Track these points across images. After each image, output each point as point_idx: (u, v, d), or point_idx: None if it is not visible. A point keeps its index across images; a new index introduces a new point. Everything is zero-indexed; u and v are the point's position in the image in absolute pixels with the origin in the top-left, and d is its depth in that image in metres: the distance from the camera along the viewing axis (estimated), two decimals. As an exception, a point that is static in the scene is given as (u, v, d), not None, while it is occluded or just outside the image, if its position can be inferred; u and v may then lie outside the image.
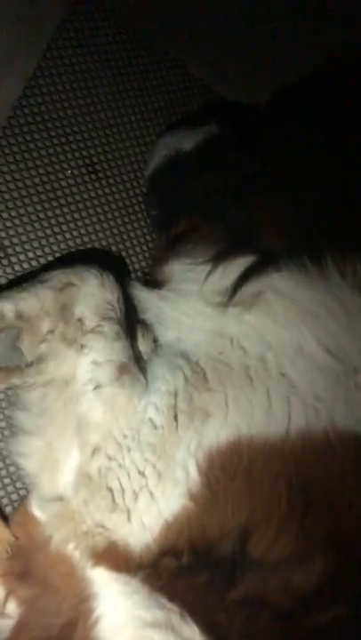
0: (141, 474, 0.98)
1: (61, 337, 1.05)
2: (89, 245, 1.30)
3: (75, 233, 1.29)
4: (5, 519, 1.13)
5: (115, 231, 1.34)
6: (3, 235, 1.24)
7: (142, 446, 0.99)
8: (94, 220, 1.32)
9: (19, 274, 1.24)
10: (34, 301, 1.08)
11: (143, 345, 1.16)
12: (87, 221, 1.31)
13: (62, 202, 1.28)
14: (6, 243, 1.23)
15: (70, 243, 1.28)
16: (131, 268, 1.35)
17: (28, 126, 1.28)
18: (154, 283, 1.21)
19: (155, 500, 0.98)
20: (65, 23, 1.36)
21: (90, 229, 1.31)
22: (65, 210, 1.28)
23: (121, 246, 1.35)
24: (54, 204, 1.27)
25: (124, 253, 1.35)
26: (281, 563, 0.93)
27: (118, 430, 1.01)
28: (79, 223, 1.30)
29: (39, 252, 1.26)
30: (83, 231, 1.30)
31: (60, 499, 1.03)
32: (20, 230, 1.25)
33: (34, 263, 1.25)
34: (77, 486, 1.01)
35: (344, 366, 0.99)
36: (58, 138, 1.30)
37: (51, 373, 1.05)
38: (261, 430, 0.97)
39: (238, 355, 1.04)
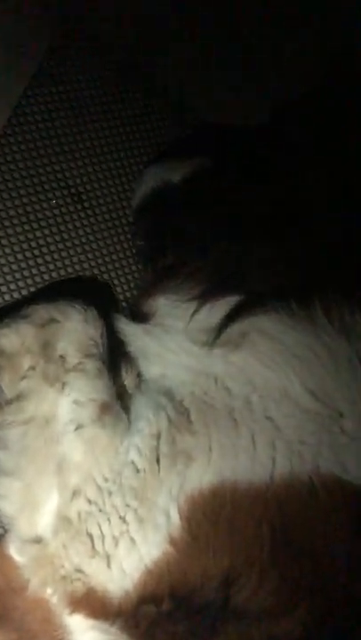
0: (122, 519, 0.96)
1: (42, 375, 1.03)
2: (73, 276, 1.28)
3: (59, 264, 1.26)
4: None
5: (100, 261, 1.32)
6: (-16, 265, 1.22)
7: (124, 490, 0.97)
8: (79, 250, 1.30)
9: (0, 305, 1.22)
10: (14, 337, 1.05)
11: (127, 380, 1.14)
12: (72, 252, 1.29)
13: (46, 232, 1.26)
14: (-12, 273, 1.22)
15: (54, 274, 1.26)
16: (116, 298, 1.33)
17: (12, 155, 1.26)
18: (139, 316, 1.20)
19: (136, 546, 0.96)
20: (52, 52, 1.34)
21: (75, 260, 1.29)
22: (49, 240, 1.26)
23: (106, 276, 1.33)
24: (38, 234, 1.25)
25: (109, 284, 1.33)
26: (263, 612, 0.91)
27: (99, 473, 0.99)
28: (63, 254, 1.27)
29: (21, 284, 1.23)
30: (67, 262, 1.28)
31: (39, 541, 1.00)
32: (2, 261, 1.22)
33: (16, 295, 1.23)
34: (57, 529, 0.99)
35: (330, 411, 0.98)
36: (43, 167, 1.28)
37: (31, 412, 1.03)
38: (245, 475, 0.96)
39: (223, 395, 1.03)
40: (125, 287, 1.35)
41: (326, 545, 0.94)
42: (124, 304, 1.33)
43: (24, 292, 1.24)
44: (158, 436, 1.00)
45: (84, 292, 1.27)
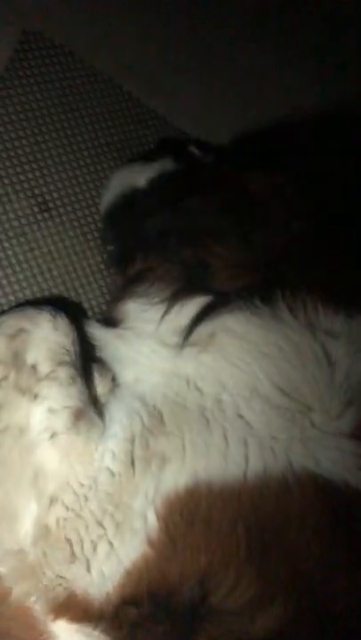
0: (99, 524, 0.97)
1: (14, 385, 1.03)
2: (43, 285, 1.29)
3: (28, 273, 1.27)
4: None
5: (69, 268, 1.33)
6: None
7: (100, 495, 0.98)
8: (48, 258, 1.30)
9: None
10: None
11: (101, 385, 1.14)
12: (40, 260, 1.29)
13: (14, 242, 1.27)
14: None
15: (23, 283, 1.26)
16: (87, 305, 1.34)
17: (-24, 165, 1.27)
18: (111, 321, 1.20)
19: (114, 549, 0.96)
20: (15, 60, 1.35)
21: (43, 268, 1.30)
22: (17, 250, 1.27)
23: (77, 283, 1.34)
24: (6, 244, 1.26)
25: (80, 291, 1.34)
26: (241, 609, 0.92)
27: (75, 479, 0.99)
28: (32, 263, 1.28)
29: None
30: (36, 270, 1.28)
31: (19, 551, 1.00)
32: (-29, 271, 1.23)
33: (-16, 305, 1.24)
34: (36, 538, 0.99)
35: (299, 405, 0.99)
36: (9, 177, 1.28)
37: (5, 422, 1.03)
38: (219, 474, 0.96)
39: (195, 396, 1.04)
40: (97, 292, 1.36)
41: (301, 540, 0.94)
42: (95, 310, 1.34)
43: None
44: (132, 440, 1.00)
45: (54, 300, 1.28)
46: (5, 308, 1.23)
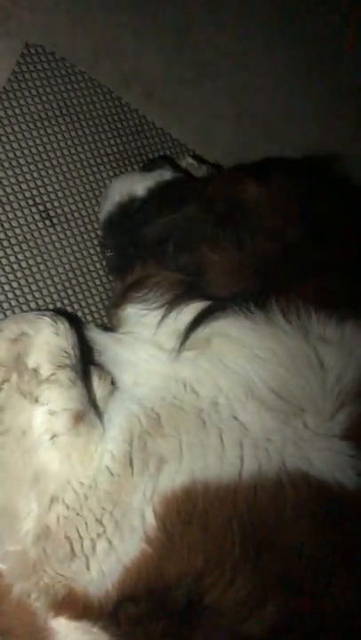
0: (99, 522, 0.99)
1: (16, 387, 1.06)
2: (44, 291, 1.32)
3: (30, 279, 1.30)
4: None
5: (70, 275, 1.36)
6: None
7: (99, 494, 1.00)
8: (49, 265, 1.34)
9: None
10: None
11: (100, 388, 1.17)
12: (42, 267, 1.33)
13: (17, 249, 1.30)
14: None
15: (25, 289, 1.29)
16: (87, 310, 1.37)
17: (-21, 174, 1.30)
18: (110, 325, 1.23)
19: (113, 547, 0.99)
20: (18, 72, 1.39)
21: (45, 274, 1.33)
22: (19, 257, 1.30)
23: (77, 289, 1.37)
24: (8, 251, 1.29)
25: (80, 296, 1.37)
26: (236, 607, 0.94)
27: (75, 479, 1.02)
28: (34, 269, 1.32)
29: (-8, 299, 1.28)
30: (38, 277, 1.32)
31: (20, 549, 1.02)
32: (-27, 278, 1.27)
33: (-14, 310, 1.27)
34: (37, 536, 1.01)
35: (292, 408, 1.02)
36: (11, 187, 1.32)
37: (6, 424, 1.05)
38: (215, 474, 0.99)
39: (192, 399, 1.06)
40: (97, 298, 1.39)
41: (295, 540, 0.96)
42: (94, 314, 1.37)
43: (-5, 307, 1.27)
44: (131, 442, 1.03)
45: (55, 305, 1.31)
46: (7, 312, 1.26)
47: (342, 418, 1.01)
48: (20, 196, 1.33)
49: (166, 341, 1.12)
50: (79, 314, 1.34)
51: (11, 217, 1.30)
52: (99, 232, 1.39)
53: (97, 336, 1.21)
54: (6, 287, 1.28)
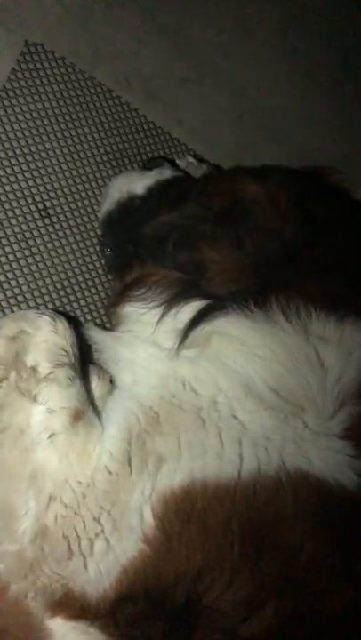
0: (97, 521, 0.99)
1: (15, 386, 1.05)
2: (43, 289, 1.31)
3: (29, 278, 1.30)
4: None
5: (69, 273, 1.36)
6: None
7: (97, 493, 1.00)
8: (48, 263, 1.33)
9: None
10: None
11: (99, 387, 1.17)
12: (41, 265, 1.32)
13: (15, 247, 1.30)
14: None
15: (24, 287, 1.29)
16: (86, 309, 1.36)
17: (-22, 172, 1.30)
18: (110, 324, 1.23)
19: (111, 546, 0.98)
20: (17, 71, 1.39)
21: (44, 273, 1.33)
22: (18, 255, 1.30)
23: (76, 288, 1.36)
24: (7, 249, 1.29)
25: (79, 295, 1.36)
26: (234, 607, 0.93)
27: (74, 478, 1.01)
28: (33, 267, 1.31)
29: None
30: (37, 275, 1.31)
31: (18, 548, 1.02)
32: (-29, 275, 1.26)
33: (-16, 307, 1.26)
34: (34, 535, 1.00)
35: (292, 407, 1.01)
36: (10, 185, 1.32)
37: (5, 422, 1.05)
38: (214, 473, 0.98)
39: (190, 397, 1.06)
40: (96, 297, 1.38)
41: (294, 539, 0.96)
42: (93, 313, 1.37)
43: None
44: (129, 440, 1.02)
45: (54, 304, 1.30)
46: (6, 310, 1.26)
47: (342, 417, 1.01)
48: (20, 194, 1.32)
49: (165, 340, 1.12)
50: (78, 313, 1.34)
51: (10, 215, 1.30)
52: (98, 231, 1.39)
53: (96, 335, 1.21)
54: (5, 285, 1.27)
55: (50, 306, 1.29)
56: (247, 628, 0.93)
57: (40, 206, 1.34)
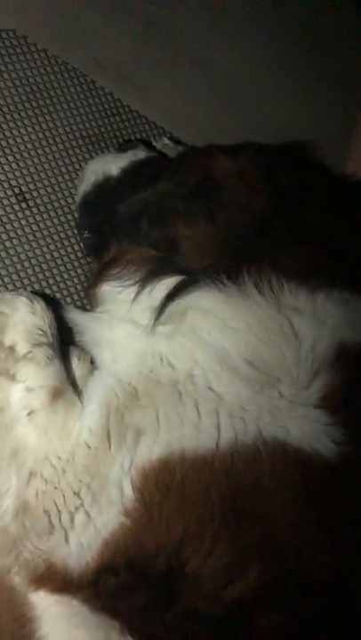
0: (77, 495, 1.00)
1: (-7, 365, 1.07)
2: (22, 273, 1.32)
3: (7, 262, 1.30)
4: None
5: (48, 256, 1.36)
6: None
7: (77, 468, 1.01)
8: (27, 247, 1.34)
9: None
10: None
11: (80, 367, 1.18)
12: (19, 249, 1.33)
13: (-7, 231, 1.31)
14: None
15: (2, 271, 1.29)
16: (66, 292, 1.37)
17: None
18: (88, 305, 1.24)
19: (91, 519, 0.99)
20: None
21: (22, 257, 1.33)
22: (-5, 239, 1.31)
23: (56, 271, 1.37)
24: (-16, 234, 1.29)
25: (58, 278, 1.37)
26: (217, 573, 0.94)
27: (53, 454, 1.02)
28: (11, 252, 1.31)
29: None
30: (15, 259, 1.32)
31: (1, 525, 1.03)
32: None
33: (-37, 293, 1.26)
34: (16, 511, 1.02)
35: (267, 377, 1.02)
36: (-15, 169, 1.32)
37: (-16, 401, 1.07)
38: (192, 444, 0.99)
39: (168, 371, 1.07)
40: (75, 280, 1.39)
41: (274, 506, 0.97)
42: (73, 296, 1.37)
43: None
44: (108, 415, 1.04)
45: (33, 287, 1.31)
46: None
47: (318, 386, 1.02)
48: (-5, 178, 1.33)
49: (142, 317, 1.13)
50: (58, 296, 1.34)
51: (-15, 200, 1.30)
52: (75, 213, 1.39)
53: (76, 317, 1.22)
54: (-18, 270, 1.28)
55: (29, 289, 1.30)
56: (230, 592, 0.94)
57: (17, 190, 1.34)
